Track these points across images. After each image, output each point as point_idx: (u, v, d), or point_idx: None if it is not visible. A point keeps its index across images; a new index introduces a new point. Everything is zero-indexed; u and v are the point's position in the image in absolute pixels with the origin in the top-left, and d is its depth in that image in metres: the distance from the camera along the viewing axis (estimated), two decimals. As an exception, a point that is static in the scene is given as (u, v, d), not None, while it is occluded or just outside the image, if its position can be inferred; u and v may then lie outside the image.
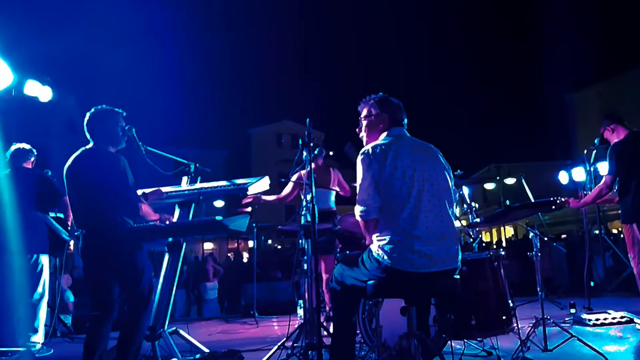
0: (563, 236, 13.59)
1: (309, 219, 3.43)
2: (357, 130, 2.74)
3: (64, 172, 3.01)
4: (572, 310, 4.96)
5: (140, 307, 2.89)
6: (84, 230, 2.92)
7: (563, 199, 3.40)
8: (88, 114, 3.05)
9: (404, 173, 2.37)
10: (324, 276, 4.57)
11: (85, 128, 3.04)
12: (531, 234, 3.75)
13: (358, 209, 2.44)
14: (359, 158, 2.49)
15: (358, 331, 3.29)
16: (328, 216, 4.50)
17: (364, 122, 2.68)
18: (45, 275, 4.23)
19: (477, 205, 3.84)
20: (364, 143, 2.66)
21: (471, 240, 3.64)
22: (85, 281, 3.00)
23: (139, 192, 3.37)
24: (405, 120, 2.65)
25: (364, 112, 2.68)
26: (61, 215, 4.47)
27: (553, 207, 3.31)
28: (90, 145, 3.05)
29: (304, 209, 3.92)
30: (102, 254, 2.87)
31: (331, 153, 5.10)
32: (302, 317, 3.92)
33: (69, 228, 4.36)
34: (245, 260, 14.90)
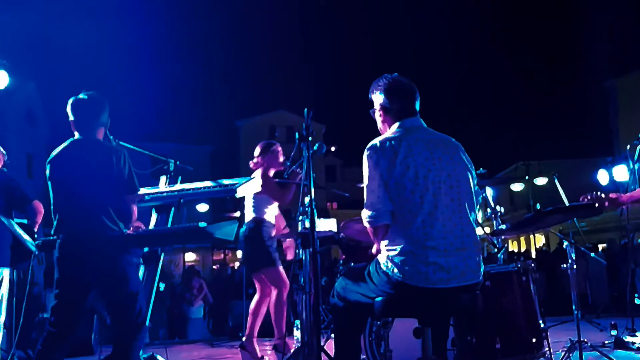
0: (602, 246, 13.60)
1: (307, 225, 3.43)
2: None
3: (48, 166, 3.04)
4: (613, 332, 4.95)
5: (132, 335, 2.88)
6: (62, 236, 2.93)
7: (602, 195, 3.38)
8: (74, 100, 3.11)
9: (417, 173, 2.36)
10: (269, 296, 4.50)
11: (73, 116, 3.09)
12: (565, 243, 3.75)
13: (366, 214, 2.44)
14: (365, 154, 2.48)
15: (364, 356, 3.29)
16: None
17: (375, 114, 2.67)
18: (4, 292, 4.23)
19: (502, 210, 3.84)
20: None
21: (496, 250, 3.64)
22: (57, 294, 2.99)
23: None
24: (418, 104, 2.60)
25: (374, 102, 2.68)
26: (25, 221, 4.48)
27: (592, 211, 3.30)
28: (78, 136, 3.10)
29: (301, 213, 3.92)
30: (85, 265, 2.87)
31: (333, 149, 5.08)
32: (300, 339, 3.93)
33: (35, 236, 4.36)
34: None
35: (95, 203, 2.89)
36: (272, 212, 4.55)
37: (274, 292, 4.42)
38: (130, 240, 2.99)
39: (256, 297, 4.50)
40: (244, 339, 4.52)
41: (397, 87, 2.59)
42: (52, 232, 3.06)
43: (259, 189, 4.12)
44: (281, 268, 4.46)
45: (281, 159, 4.60)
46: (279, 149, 4.64)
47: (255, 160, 4.61)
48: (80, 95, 3.13)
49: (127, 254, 2.96)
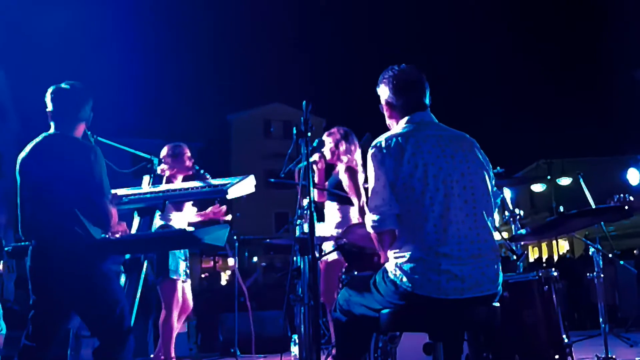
0: (633, 252, 13.59)
1: (305, 230, 3.43)
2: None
3: (18, 163, 3.06)
4: (645, 348, 4.96)
5: (117, 344, 2.89)
6: (33, 241, 2.95)
7: (631, 198, 3.39)
8: (53, 89, 3.11)
9: (426, 172, 2.36)
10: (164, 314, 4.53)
11: (51, 107, 3.09)
12: (592, 250, 3.75)
13: (369, 218, 2.45)
14: (370, 153, 2.49)
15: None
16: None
17: (383, 110, 2.69)
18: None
19: (522, 213, 3.85)
20: None
21: (514, 257, 3.64)
22: (32, 304, 3.01)
23: None
24: (428, 97, 2.61)
25: (380, 97, 2.69)
26: None
27: (621, 213, 3.30)
28: (53, 131, 3.10)
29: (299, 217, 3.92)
30: (57, 275, 2.88)
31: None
32: (297, 356, 3.92)
33: (2, 242, 4.36)
34: (224, 282, 14.91)
35: (67, 207, 2.89)
36: (180, 218, 4.58)
37: (163, 311, 4.48)
38: (107, 248, 2.99)
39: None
40: (162, 356, 4.52)
41: (403, 81, 2.60)
42: (21, 237, 3.07)
43: (253, 190, 4.12)
44: (180, 284, 4.52)
45: (188, 162, 4.70)
46: (186, 152, 4.74)
47: (162, 166, 4.65)
48: (63, 85, 3.13)
49: (104, 262, 2.97)
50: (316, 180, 4.65)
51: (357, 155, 4.71)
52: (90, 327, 3.00)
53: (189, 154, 4.74)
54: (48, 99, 3.10)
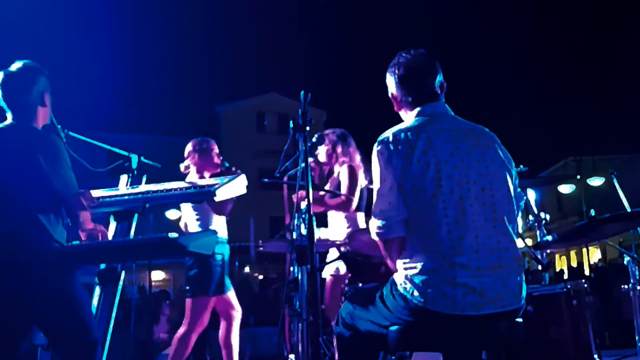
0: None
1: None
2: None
3: None
4: (686, 369, 4.95)
5: (88, 355, 2.90)
6: None
7: None
8: (3, 76, 3.10)
9: (439, 173, 2.36)
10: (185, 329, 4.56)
11: (1, 95, 3.09)
12: (627, 259, 3.74)
13: (374, 224, 2.45)
14: (375, 150, 2.49)
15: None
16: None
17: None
18: None
19: (548, 217, 3.84)
20: None
21: (540, 267, 3.63)
22: None
23: None
24: (438, 84, 2.59)
25: (388, 88, 2.70)
26: None
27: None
28: (9, 121, 3.10)
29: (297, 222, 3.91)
30: (13, 286, 2.87)
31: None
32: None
33: None
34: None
35: (22, 208, 2.90)
36: (220, 224, 4.58)
37: (184, 327, 4.51)
38: (75, 256, 2.98)
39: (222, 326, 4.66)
40: None
41: (409, 70, 2.59)
42: None
43: (244, 191, 4.13)
44: (213, 299, 4.55)
45: (217, 159, 4.75)
46: (215, 147, 4.80)
47: (186, 163, 4.72)
48: (11, 67, 3.12)
49: (69, 268, 2.97)
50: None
51: (357, 157, 4.73)
52: (51, 339, 2.99)
53: (217, 150, 4.82)
54: None
